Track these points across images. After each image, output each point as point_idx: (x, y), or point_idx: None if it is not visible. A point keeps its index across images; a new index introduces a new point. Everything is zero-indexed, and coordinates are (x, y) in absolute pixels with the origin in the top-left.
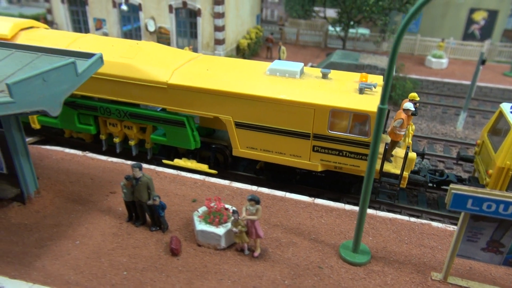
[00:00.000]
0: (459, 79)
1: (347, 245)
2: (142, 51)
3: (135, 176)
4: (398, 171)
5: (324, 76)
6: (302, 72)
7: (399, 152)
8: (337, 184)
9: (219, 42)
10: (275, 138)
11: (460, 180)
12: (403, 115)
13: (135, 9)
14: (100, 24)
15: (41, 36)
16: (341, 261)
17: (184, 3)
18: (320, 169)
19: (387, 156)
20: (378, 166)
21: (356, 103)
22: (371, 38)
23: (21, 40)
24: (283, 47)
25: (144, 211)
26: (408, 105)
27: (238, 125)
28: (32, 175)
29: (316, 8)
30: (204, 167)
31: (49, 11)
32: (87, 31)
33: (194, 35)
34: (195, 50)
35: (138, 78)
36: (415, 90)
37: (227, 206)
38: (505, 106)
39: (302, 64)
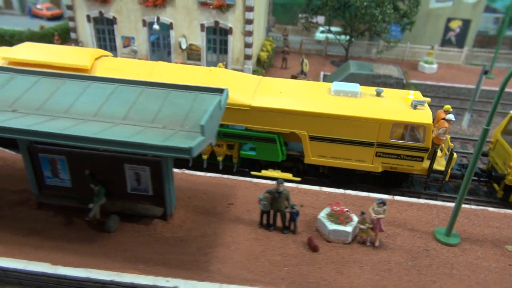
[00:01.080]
0: (450, 82)
1: (439, 231)
2: (217, 76)
3: (278, 190)
4: (442, 168)
5: (378, 94)
6: (360, 92)
7: (438, 153)
8: (391, 180)
9: (248, 57)
10: (343, 147)
11: (483, 171)
12: (446, 124)
13: (166, 28)
14: (128, 42)
15: (117, 65)
16: (439, 243)
17: (216, 22)
18: (380, 170)
19: (429, 156)
20: (426, 166)
21: (413, 117)
22: (357, 44)
23: (100, 70)
24: (305, 60)
25: (276, 218)
26: (451, 116)
27: (312, 138)
28: (173, 195)
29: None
30: (288, 175)
31: (73, 29)
32: (112, 48)
33: (223, 51)
34: (222, 61)
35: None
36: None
37: (345, 208)
38: None
39: (358, 84)
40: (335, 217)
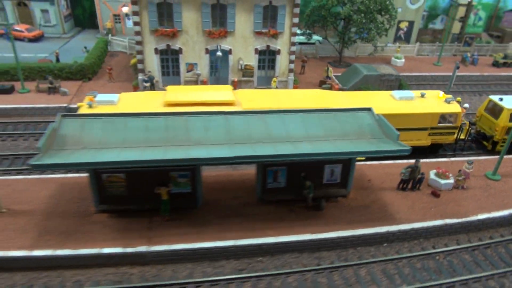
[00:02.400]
0: (415, 71)
1: (488, 173)
2: (328, 97)
3: (416, 165)
4: (463, 137)
5: (423, 96)
6: (414, 96)
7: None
8: (433, 149)
9: (291, 71)
10: (410, 133)
11: (478, 134)
12: (464, 110)
13: (225, 53)
14: (191, 67)
15: (250, 96)
16: (490, 180)
17: (268, 46)
18: (429, 144)
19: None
20: (455, 137)
21: (450, 109)
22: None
23: (243, 101)
24: (330, 68)
25: (411, 183)
26: (466, 105)
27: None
28: (352, 180)
29: None
30: None
31: (141, 61)
32: (175, 74)
33: (271, 67)
34: (270, 78)
35: None
36: (406, 84)
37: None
38: (493, 97)
39: (411, 92)
40: (442, 175)
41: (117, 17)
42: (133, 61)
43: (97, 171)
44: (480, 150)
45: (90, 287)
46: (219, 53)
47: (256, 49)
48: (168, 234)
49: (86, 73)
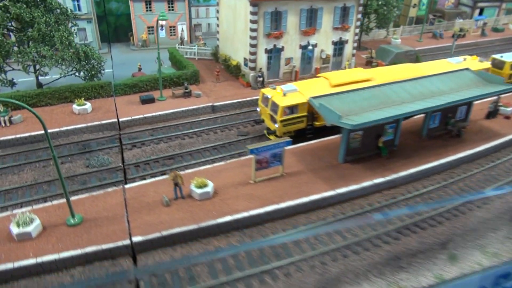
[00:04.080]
0: (409, 44)
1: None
2: (424, 68)
3: (496, 101)
4: None
5: (465, 59)
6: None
7: None
8: None
9: (353, 55)
10: None
11: None
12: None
13: (313, 47)
14: (288, 61)
15: (379, 72)
16: None
17: (340, 38)
18: None
19: None
20: None
21: (486, 65)
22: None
23: (377, 77)
24: (373, 50)
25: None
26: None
27: None
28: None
29: None
30: None
31: (253, 61)
32: (276, 67)
33: (338, 54)
34: (339, 63)
35: None
36: (420, 56)
37: None
38: (495, 56)
39: (461, 58)
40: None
41: (150, 29)
42: (234, 62)
43: (351, 130)
44: None
45: (377, 206)
46: (310, 47)
47: (332, 41)
48: (393, 166)
49: (197, 77)
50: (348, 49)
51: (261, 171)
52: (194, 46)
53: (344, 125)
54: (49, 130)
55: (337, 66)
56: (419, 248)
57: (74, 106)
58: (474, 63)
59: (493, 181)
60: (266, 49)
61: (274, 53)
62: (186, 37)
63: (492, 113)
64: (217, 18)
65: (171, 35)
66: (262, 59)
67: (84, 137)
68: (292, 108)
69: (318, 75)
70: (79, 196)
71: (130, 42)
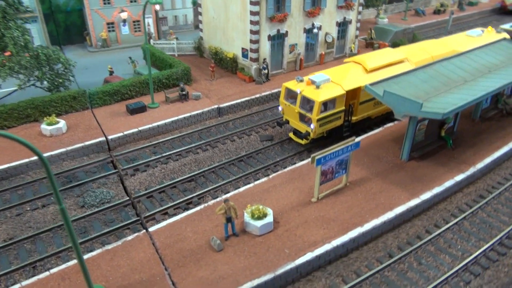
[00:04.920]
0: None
1: None
2: (460, 41)
3: None
4: None
5: (483, 31)
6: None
7: None
8: None
9: (357, 37)
10: None
11: None
12: None
13: (317, 30)
14: (293, 48)
15: (410, 51)
16: None
17: (344, 18)
18: None
19: None
20: None
21: (505, 35)
22: None
23: (410, 56)
24: (373, 31)
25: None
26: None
27: None
28: None
29: None
30: None
31: (256, 50)
32: (281, 55)
33: (342, 37)
34: (343, 47)
35: None
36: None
37: None
38: (503, 26)
39: (480, 31)
40: None
41: (111, 26)
42: (229, 54)
43: (419, 119)
44: None
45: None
46: (315, 30)
47: (337, 22)
48: (465, 158)
49: (189, 76)
50: (352, 30)
51: (324, 184)
52: (173, 41)
53: (431, 115)
54: (14, 163)
55: (341, 50)
56: None
57: (43, 126)
58: (492, 34)
59: None
60: (269, 36)
61: (277, 40)
62: (153, 32)
63: None
64: (199, 6)
65: (135, 31)
66: (265, 48)
67: (65, 166)
68: (329, 103)
69: (345, 60)
70: (88, 255)
71: (86, 43)
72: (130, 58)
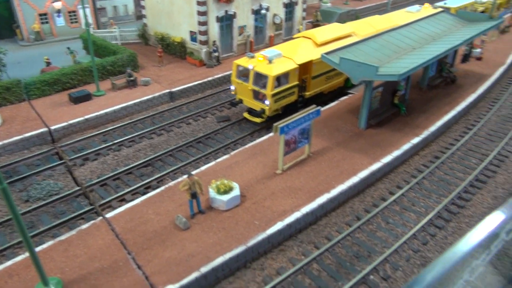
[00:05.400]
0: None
1: None
2: (394, 18)
3: (470, 45)
4: None
5: (420, 7)
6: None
7: None
8: None
9: (304, 18)
10: None
11: None
12: None
13: (265, 11)
14: (242, 30)
15: (357, 26)
16: None
17: (291, 0)
18: None
19: None
20: None
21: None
22: None
23: (357, 30)
24: (319, 13)
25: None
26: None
27: None
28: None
29: None
30: None
31: (205, 32)
32: (231, 38)
33: (289, 18)
34: (291, 29)
35: None
36: (359, 15)
37: None
38: (438, 4)
39: (419, 6)
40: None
41: (43, 17)
42: (177, 39)
43: (374, 87)
44: None
45: None
46: (263, 11)
47: (283, 3)
48: (419, 123)
49: (136, 62)
50: (299, 11)
51: (288, 156)
52: (115, 29)
53: (387, 78)
54: None
55: (289, 32)
56: None
57: None
58: (429, 10)
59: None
60: (217, 17)
61: (225, 22)
62: (91, 23)
63: (467, 56)
64: None
65: (72, 22)
66: (214, 30)
67: (3, 161)
68: (282, 78)
69: (295, 35)
70: (39, 248)
71: (17, 37)
72: (68, 48)
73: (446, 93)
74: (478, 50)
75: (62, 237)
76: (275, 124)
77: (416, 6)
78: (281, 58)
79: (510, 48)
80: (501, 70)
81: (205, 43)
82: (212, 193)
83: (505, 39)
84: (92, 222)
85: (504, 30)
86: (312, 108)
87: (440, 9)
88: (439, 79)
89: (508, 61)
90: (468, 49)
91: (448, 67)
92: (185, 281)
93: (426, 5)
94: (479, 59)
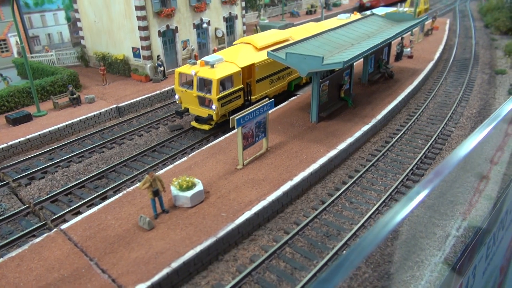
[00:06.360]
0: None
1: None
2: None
3: (401, 43)
4: None
5: (351, 15)
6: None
7: None
8: None
9: (244, 32)
10: None
11: None
12: None
13: (207, 25)
14: (186, 44)
15: (295, 32)
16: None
17: (230, 13)
18: None
19: None
20: None
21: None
22: None
23: (295, 35)
24: (258, 27)
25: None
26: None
27: None
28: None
29: None
30: None
31: (148, 47)
32: (174, 53)
33: (231, 32)
34: (233, 41)
35: None
36: None
37: None
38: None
39: (349, 14)
40: (406, 46)
41: None
42: (119, 56)
43: (321, 81)
44: None
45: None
46: (205, 25)
47: (224, 17)
48: (366, 113)
49: (77, 81)
50: (239, 25)
51: (246, 150)
52: (52, 52)
53: (333, 66)
54: None
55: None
56: None
57: None
58: (358, 17)
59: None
60: (159, 31)
61: (168, 36)
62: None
63: (399, 55)
64: (76, 12)
65: (2, 51)
66: (157, 44)
67: None
68: (226, 81)
69: (235, 42)
70: None
71: None
72: (1, 75)
73: (387, 87)
74: (409, 49)
75: (13, 253)
76: (231, 117)
77: (347, 14)
78: (224, 63)
79: (435, 47)
80: (431, 65)
81: (149, 58)
82: (175, 190)
83: (430, 39)
84: (45, 235)
85: (428, 33)
86: (265, 101)
87: (370, 13)
88: (378, 75)
89: (435, 57)
90: (399, 48)
91: (384, 63)
92: (156, 278)
93: (355, 13)
94: (410, 57)
